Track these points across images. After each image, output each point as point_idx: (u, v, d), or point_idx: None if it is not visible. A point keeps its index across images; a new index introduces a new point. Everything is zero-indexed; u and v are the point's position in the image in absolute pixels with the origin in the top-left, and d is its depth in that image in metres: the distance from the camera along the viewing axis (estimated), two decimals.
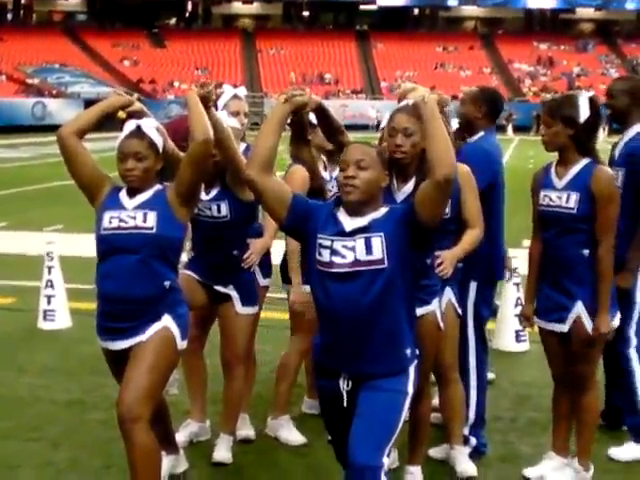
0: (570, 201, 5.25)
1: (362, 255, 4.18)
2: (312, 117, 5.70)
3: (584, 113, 5.19)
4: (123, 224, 4.69)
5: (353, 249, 4.19)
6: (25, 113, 55.64)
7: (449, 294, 5.52)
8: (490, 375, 7.08)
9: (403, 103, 5.12)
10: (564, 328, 5.33)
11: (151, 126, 4.83)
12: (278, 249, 6.26)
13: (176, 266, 4.90)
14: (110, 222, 4.71)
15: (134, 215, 4.70)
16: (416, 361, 4.36)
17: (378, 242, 4.18)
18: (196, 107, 4.82)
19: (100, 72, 66.73)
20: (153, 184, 4.82)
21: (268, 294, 6.46)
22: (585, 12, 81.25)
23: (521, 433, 6.47)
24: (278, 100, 4.50)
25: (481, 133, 5.96)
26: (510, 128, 53.87)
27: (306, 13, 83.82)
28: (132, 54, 72.27)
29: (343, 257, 4.20)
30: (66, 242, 13.01)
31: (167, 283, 4.74)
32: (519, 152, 38.01)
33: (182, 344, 4.82)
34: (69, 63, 67.35)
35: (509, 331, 8.60)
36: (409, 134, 4.96)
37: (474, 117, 5.97)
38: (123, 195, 4.81)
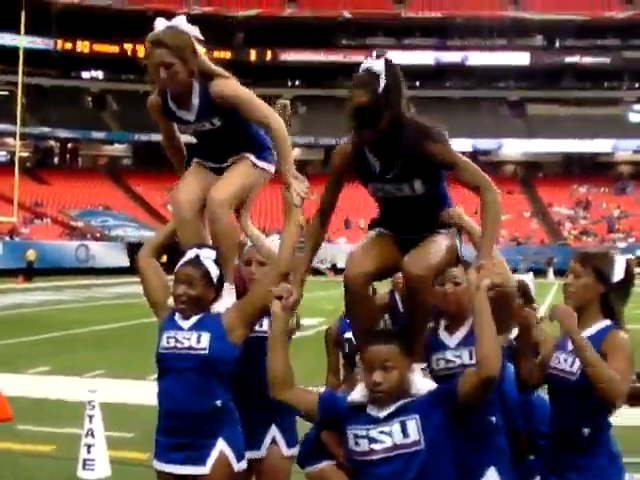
0: (574, 366, 4.59)
1: (399, 439, 4.18)
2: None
3: (619, 273, 4.66)
4: (179, 344, 4.85)
5: (390, 434, 4.20)
6: (69, 256, 56.24)
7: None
8: None
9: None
10: None
11: (209, 257, 4.93)
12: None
13: (231, 386, 4.93)
14: (168, 342, 4.88)
15: (189, 336, 4.85)
16: None
17: (413, 424, 4.19)
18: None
19: (143, 216, 67.72)
20: (205, 311, 4.93)
21: None
22: (623, 155, 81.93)
23: None
24: (273, 312, 4.50)
25: None
26: (551, 272, 53.83)
27: None
28: None
29: (382, 443, 4.20)
30: (107, 388, 12.91)
31: (218, 402, 4.81)
32: (561, 296, 37.55)
33: (239, 466, 4.88)
34: (113, 207, 68.57)
35: None
36: (458, 284, 4.84)
37: None
38: (178, 316, 4.95)
